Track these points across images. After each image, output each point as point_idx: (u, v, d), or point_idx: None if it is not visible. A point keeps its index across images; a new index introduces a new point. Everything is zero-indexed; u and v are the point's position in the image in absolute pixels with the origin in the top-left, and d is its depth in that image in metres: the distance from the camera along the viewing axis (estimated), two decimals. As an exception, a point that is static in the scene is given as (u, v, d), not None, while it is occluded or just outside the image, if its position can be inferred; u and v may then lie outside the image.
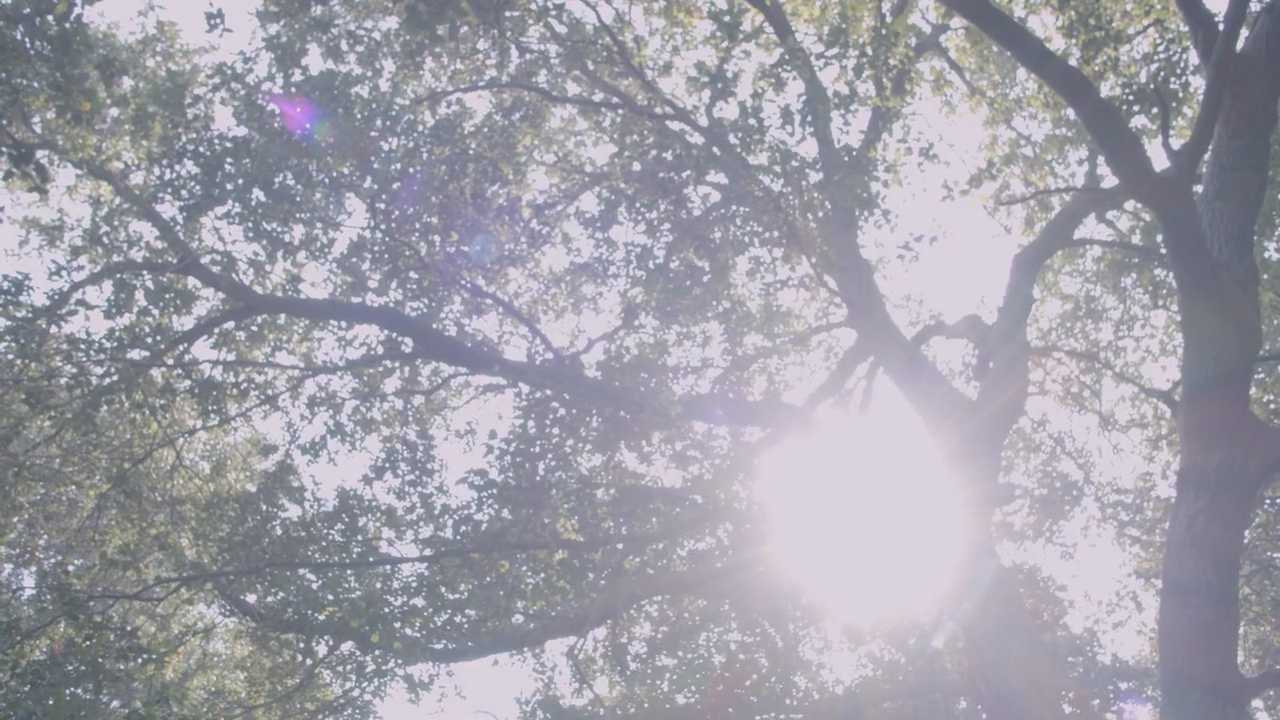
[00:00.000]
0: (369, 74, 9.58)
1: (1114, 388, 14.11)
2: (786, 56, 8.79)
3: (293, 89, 8.91)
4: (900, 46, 9.24)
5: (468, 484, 9.87)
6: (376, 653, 9.78)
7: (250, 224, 9.37)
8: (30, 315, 9.39)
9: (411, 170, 9.33)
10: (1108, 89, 9.61)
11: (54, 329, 9.91)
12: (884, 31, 8.91)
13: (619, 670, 11.63)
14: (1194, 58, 9.35)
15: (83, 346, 9.59)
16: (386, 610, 9.46)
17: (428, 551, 10.11)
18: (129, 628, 9.69)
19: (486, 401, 11.95)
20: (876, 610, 10.98)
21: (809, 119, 9.09)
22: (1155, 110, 8.92)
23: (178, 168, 9.28)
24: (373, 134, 9.01)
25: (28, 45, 7.20)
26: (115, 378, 9.84)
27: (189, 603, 12.62)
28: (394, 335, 10.32)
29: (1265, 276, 9.95)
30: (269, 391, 10.85)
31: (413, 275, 9.97)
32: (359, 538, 10.12)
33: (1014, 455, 13.72)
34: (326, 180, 9.43)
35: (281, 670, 11.02)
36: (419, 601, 9.88)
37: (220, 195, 9.15)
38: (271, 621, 9.83)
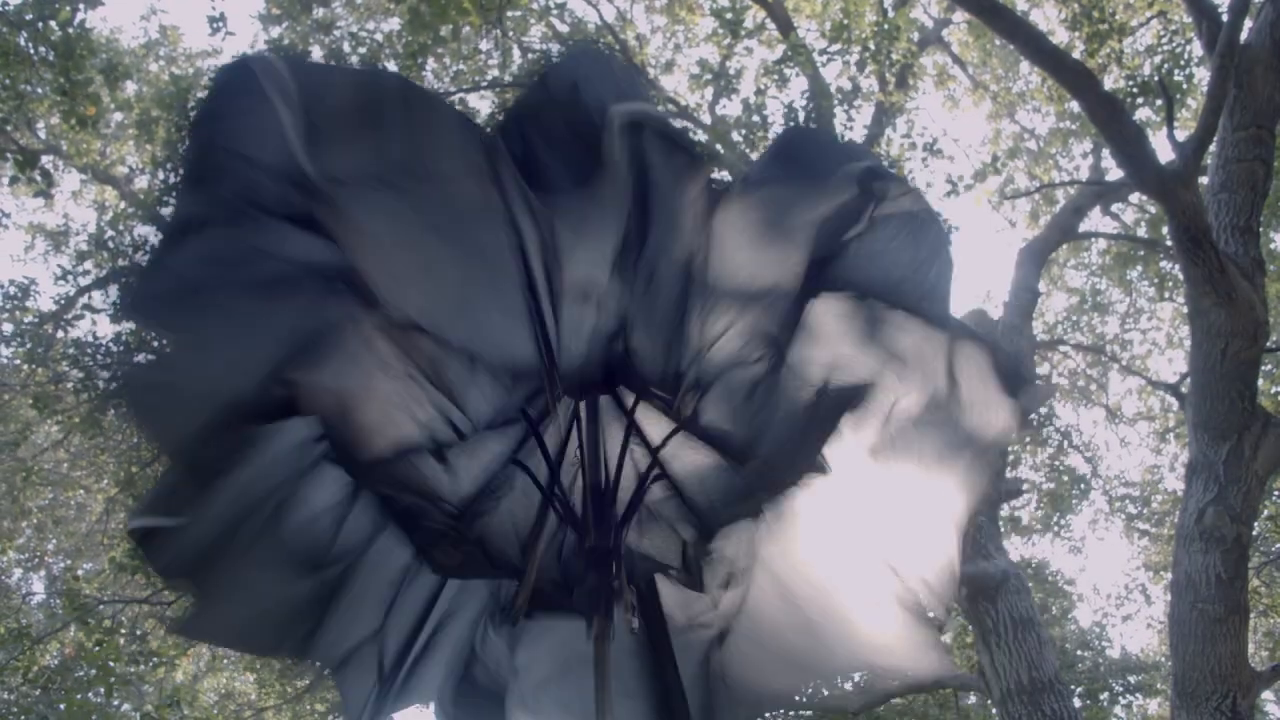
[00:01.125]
0: (371, 75, 9.57)
1: (1121, 381, 14.12)
2: (789, 53, 8.78)
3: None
4: (903, 41, 9.23)
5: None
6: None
7: (255, 227, 9.36)
8: (37, 320, 9.42)
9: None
10: (1111, 82, 9.58)
11: (60, 334, 9.94)
12: (886, 27, 8.90)
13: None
14: (1198, 49, 9.31)
15: (89, 351, 9.62)
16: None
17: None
18: (139, 631, 9.72)
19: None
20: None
21: (812, 115, 9.08)
22: (1160, 102, 8.89)
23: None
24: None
25: (32, 51, 7.23)
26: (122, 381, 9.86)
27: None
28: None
29: (1272, 268, 9.92)
30: (275, 393, 10.86)
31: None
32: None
33: (1021, 449, 13.70)
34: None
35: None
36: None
37: (225, 198, 9.14)
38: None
